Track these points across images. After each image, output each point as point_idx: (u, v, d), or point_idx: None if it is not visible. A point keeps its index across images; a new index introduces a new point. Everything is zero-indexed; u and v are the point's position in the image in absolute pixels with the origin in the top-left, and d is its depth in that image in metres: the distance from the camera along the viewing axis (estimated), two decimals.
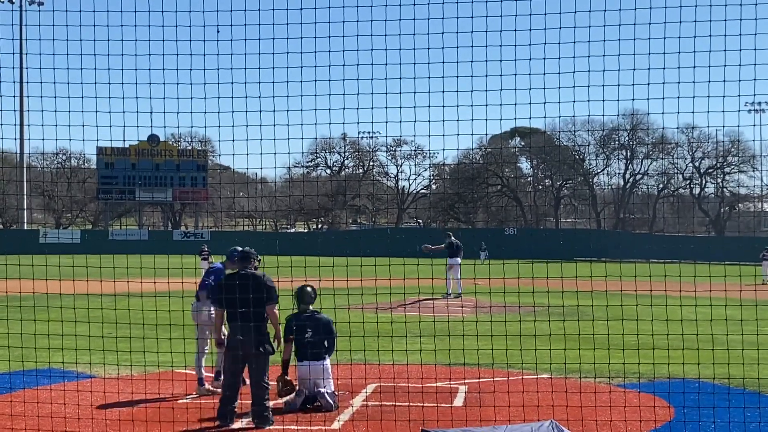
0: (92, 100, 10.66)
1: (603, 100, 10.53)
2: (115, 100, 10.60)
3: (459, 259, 31.14)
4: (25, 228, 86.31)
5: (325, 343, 11.64)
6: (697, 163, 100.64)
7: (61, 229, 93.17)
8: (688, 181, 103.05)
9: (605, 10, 9.86)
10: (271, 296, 10.91)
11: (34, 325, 12.11)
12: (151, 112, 10.85)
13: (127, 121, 10.61)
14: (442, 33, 10.08)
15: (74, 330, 12.53)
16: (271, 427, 10.39)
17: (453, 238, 32.18)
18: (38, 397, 11.50)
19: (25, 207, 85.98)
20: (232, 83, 10.34)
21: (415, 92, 10.31)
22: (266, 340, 10.88)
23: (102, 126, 10.99)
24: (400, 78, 10.33)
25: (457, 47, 10.19)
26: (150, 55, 10.36)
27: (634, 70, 10.02)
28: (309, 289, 11.97)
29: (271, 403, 10.78)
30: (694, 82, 9.91)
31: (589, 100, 10.28)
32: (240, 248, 11.91)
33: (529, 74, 10.16)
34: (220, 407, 10.76)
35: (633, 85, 10.14)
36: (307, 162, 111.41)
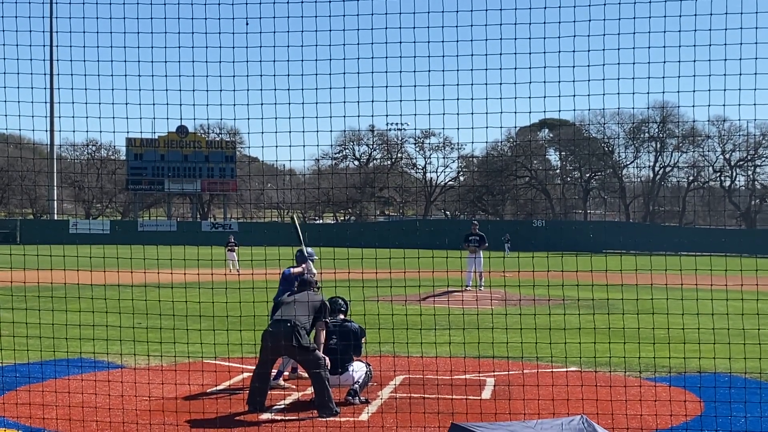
0: (122, 91, 10.70)
1: (633, 93, 10.45)
2: (144, 91, 10.65)
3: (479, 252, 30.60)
4: (56, 218, 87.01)
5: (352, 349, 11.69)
6: (727, 156, 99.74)
7: (91, 220, 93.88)
8: (718, 174, 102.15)
9: (635, 2, 9.78)
10: (319, 316, 11.25)
11: (65, 315, 12.22)
12: (180, 104, 10.89)
13: (156, 112, 10.64)
14: (471, 25, 10.04)
15: (104, 320, 12.64)
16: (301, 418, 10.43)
17: (473, 229, 30.98)
18: (69, 387, 11.60)
19: (55, 197, 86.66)
20: (261, 75, 10.35)
21: (443, 85, 10.29)
22: (303, 335, 10.89)
23: (131, 117, 11.04)
24: (429, 70, 10.31)
25: (486, 40, 10.14)
26: (180, 47, 10.38)
27: (664, 62, 9.91)
28: (341, 300, 12.15)
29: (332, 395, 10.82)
30: (725, 74, 9.80)
31: (618, 93, 10.20)
32: (307, 250, 12.38)
33: (559, 67, 10.08)
34: (248, 396, 10.93)
35: (663, 77, 10.04)
36: (335, 153, 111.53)
